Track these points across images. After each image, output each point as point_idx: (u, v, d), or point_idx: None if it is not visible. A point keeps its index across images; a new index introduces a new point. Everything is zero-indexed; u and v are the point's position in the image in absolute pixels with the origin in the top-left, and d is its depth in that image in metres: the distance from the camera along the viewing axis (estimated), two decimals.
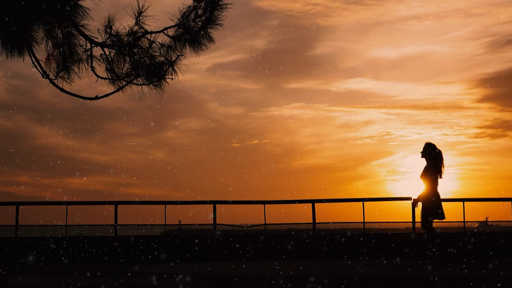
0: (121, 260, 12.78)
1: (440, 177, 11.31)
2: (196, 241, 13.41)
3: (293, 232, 13.77)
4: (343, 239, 13.37)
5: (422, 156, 11.43)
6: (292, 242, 13.18)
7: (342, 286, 7.53)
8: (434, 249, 11.08)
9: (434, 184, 11.23)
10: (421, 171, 11.36)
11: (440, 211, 11.19)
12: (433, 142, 11.51)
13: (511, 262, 11.33)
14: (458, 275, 8.91)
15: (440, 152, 11.39)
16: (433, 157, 11.34)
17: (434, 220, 11.25)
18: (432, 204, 11.14)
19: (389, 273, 9.28)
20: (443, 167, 11.37)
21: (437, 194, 11.23)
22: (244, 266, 11.13)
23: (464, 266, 10.41)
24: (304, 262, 11.83)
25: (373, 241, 13.40)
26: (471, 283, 7.68)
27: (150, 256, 13.06)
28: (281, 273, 9.39)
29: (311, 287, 7.54)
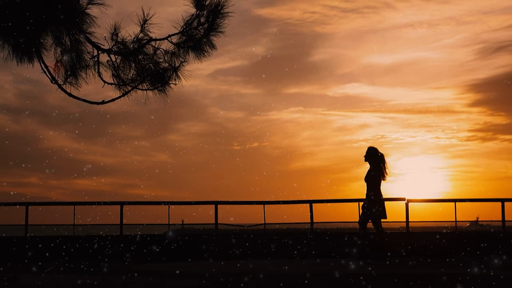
0: (127, 259, 12.76)
1: (383, 179, 11.40)
2: (198, 240, 13.40)
3: (290, 232, 13.76)
4: (340, 238, 13.35)
5: (366, 160, 11.51)
6: (290, 241, 13.16)
7: (339, 283, 7.52)
8: (368, 249, 11.23)
9: (377, 186, 11.32)
10: (365, 174, 11.45)
11: (381, 209, 11.25)
12: (375, 146, 11.60)
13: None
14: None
15: (382, 155, 11.50)
16: (376, 161, 11.42)
17: (382, 220, 11.32)
18: (374, 205, 11.21)
19: (381, 271, 9.27)
20: (386, 169, 11.45)
21: (379, 195, 11.30)
22: (244, 264, 11.11)
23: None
24: (302, 260, 11.81)
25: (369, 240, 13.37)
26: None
27: (154, 255, 13.04)
28: (280, 270, 9.38)
29: (309, 283, 7.54)
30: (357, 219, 11.64)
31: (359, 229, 11.51)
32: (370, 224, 11.46)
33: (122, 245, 13.25)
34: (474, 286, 7.32)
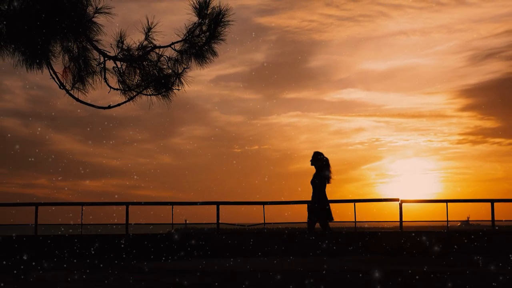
0: (132, 257, 12.75)
1: (328, 182, 11.42)
2: (201, 239, 13.38)
3: (286, 231, 13.73)
4: (337, 237, 13.33)
5: (312, 164, 11.51)
6: (289, 240, 13.14)
7: (337, 280, 7.51)
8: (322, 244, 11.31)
9: (322, 188, 11.32)
10: (312, 177, 11.45)
11: (327, 211, 11.27)
12: (321, 151, 11.61)
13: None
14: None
15: (327, 159, 11.50)
16: (322, 165, 11.42)
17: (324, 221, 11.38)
18: (319, 207, 11.23)
19: (374, 267, 9.26)
20: (331, 173, 11.47)
21: (324, 198, 11.30)
22: (245, 262, 11.10)
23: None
24: (299, 258, 11.80)
25: (364, 239, 13.37)
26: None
27: (158, 253, 13.03)
28: (279, 268, 9.37)
29: (306, 280, 7.53)
30: (352, 218, 11.67)
31: (307, 230, 11.55)
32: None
33: (127, 243, 13.23)
34: (461, 282, 7.31)
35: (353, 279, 7.71)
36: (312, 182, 11.39)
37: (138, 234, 13.55)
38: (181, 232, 16.02)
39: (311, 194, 11.40)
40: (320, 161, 11.42)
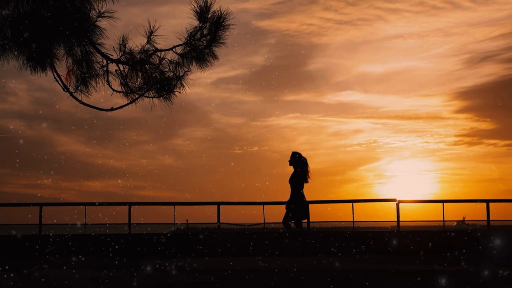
0: (134, 255, 12.74)
1: (306, 182, 11.43)
2: (202, 238, 13.38)
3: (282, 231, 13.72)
4: (335, 236, 13.34)
5: (290, 164, 11.51)
6: (288, 240, 13.13)
7: (334, 279, 7.51)
8: (297, 243, 11.31)
9: (300, 188, 11.32)
10: (289, 177, 11.45)
11: (303, 210, 11.27)
12: (299, 151, 11.61)
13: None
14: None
15: (305, 160, 11.50)
16: (299, 165, 11.43)
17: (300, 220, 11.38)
18: (297, 206, 11.23)
19: (375, 267, 9.26)
20: (309, 173, 11.47)
21: (302, 197, 11.30)
22: (245, 260, 11.09)
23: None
24: (297, 257, 11.78)
25: (362, 238, 13.37)
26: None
27: (160, 253, 13.03)
28: (279, 267, 9.37)
29: (305, 278, 7.53)
30: (350, 218, 11.66)
31: (283, 228, 11.56)
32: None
33: (130, 243, 13.23)
34: (456, 280, 7.31)
35: (354, 279, 7.71)
36: (290, 181, 11.43)
37: (140, 234, 13.55)
38: (182, 231, 16.02)
39: (289, 194, 11.44)
40: (298, 161, 11.44)
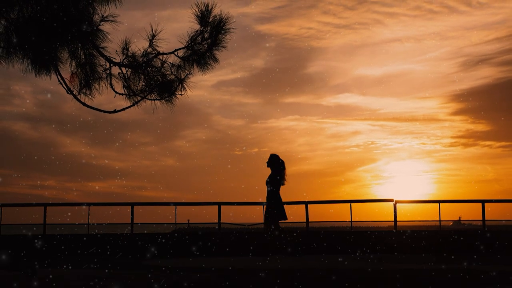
0: (137, 255, 12.74)
1: (283, 184, 11.42)
2: (203, 238, 13.38)
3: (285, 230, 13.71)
4: (334, 236, 13.34)
5: (268, 166, 11.50)
6: (287, 239, 13.12)
7: (333, 278, 7.51)
8: (278, 244, 11.33)
9: (277, 189, 11.31)
10: (267, 178, 11.44)
11: (279, 211, 11.26)
12: (277, 154, 11.60)
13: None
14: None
15: (283, 162, 11.49)
16: (277, 167, 11.41)
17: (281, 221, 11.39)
18: (273, 207, 11.22)
19: (373, 266, 9.26)
20: (286, 175, 11.46)
21: (279, 198, 11.29)
22: (245, 259, 11.09)
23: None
24: (300, 257, 11.79)
25: (360, 237, 13.37)
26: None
27: (162, 252, 13.03)
28: (279, 266, 9.37)
29: (307, 277, 7.53)
30: (348, 218, 11.65)
31: (264, 228, 11.57)
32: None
33: (132, 242, 13.23)
34: (454, 277, 7.31)
35: (356, 276, 7.71)
36: (267, 183, 11.42)
37: (142, 233, 13.55)
38: (184, 231, 16.02)
39: (266, 195, 11.44)
40: (276, 163, 11.43)
